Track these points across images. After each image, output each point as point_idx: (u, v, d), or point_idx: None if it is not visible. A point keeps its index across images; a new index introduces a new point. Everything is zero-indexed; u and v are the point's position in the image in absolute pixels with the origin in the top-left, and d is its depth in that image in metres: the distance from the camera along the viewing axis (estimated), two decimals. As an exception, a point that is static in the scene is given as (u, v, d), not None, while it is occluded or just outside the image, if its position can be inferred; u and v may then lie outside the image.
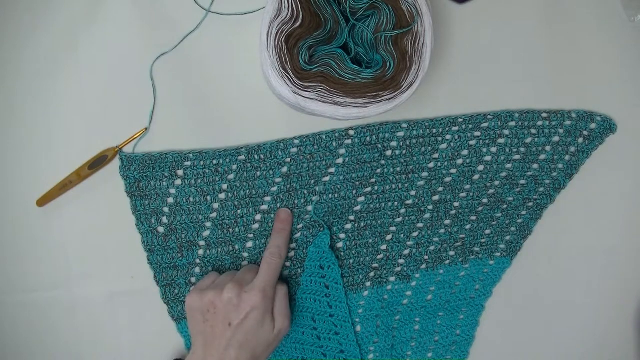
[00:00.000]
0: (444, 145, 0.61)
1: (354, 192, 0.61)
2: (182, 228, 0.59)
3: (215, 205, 0.59)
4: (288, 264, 0.61)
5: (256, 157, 0.59)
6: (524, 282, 0.64)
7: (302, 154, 0.60)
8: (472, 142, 0.61)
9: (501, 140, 0.61)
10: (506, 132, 0.61)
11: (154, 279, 0.60)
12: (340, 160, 0.60)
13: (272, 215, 0.60)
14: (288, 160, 0.60)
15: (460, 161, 0.61)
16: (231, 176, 0.59)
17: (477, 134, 0.61)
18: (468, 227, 0.63)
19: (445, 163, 0.61)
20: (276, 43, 0.51)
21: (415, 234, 0.62)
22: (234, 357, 0.52)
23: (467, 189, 0.62)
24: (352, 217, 0.61)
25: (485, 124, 0.61)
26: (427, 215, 0.62)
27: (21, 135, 0.59)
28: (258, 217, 0.60)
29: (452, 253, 0.63)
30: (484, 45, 0.62)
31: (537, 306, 0.64)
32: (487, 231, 0.63)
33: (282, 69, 0.51)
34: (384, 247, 0.62)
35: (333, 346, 0.61)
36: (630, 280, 0.65)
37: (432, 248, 0.63)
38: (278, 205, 0.60)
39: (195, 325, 0.54)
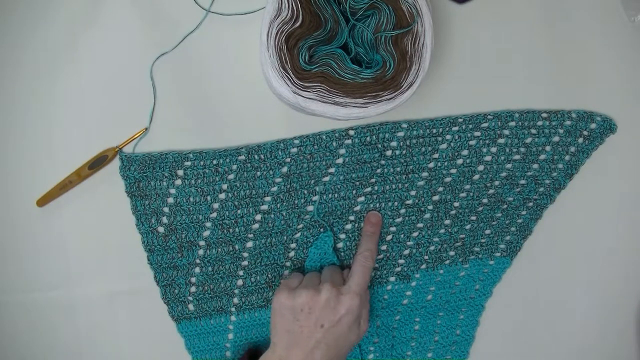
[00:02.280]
0: (444, 145, 0.61)
1: (354, 192, 0.61)
2: (182, 228, 0.59)
3: (215, 205, 0.59)
4: (288, 264, 0.61)
5: (256, 157, 0.59)
6: (524, 282, 0.64)
7: (302, 154, 0.60)
8: (472, 142, 0.61)
9: (501, 140, 0.61)
10: (506, 132, 0.61)
11: (154, 279, 0.60)
12: (340, 160, 0.60)
13: (272, 215, 0.60)
14: (288, 160, 0.60)
15: (460, 161, 0.61)
16: (231, 176, 0.59)
17: (477, 134, 0.61)
18: (468, 227, 0.63)
19: (445, 163, 0.61)
20: (276, 43, 0.51)
21: (415, 234, 0.62)
22: (318, 358, 0.52)
23: (467, 189, 0.62)
24: (352, 217, 0.61)
25: (485, 124, 0.61)
26: (427, 215, 0.62)
27: (21, 135, 0.59)
28: (258, 217, 0.60)
29: (452, 253, 0.63)
30: (484, 45, 0.62)
31: (537, 306, 0.64)
32: (487, 231, 0.63)
33: (282, 69, 0.51)
34: (384, 247, 0.62)
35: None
36: (630, 280, 0.65)
37: (432, 248, 0.63)
38: (278, 205, 0.60)
39: (284, 324, 0.54)
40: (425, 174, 0.61)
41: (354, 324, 0.54)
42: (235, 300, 0.61)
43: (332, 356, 0.53)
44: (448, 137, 0.61)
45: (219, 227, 0.60)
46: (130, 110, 0.59)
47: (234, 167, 0.59)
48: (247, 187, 0.59)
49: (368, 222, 0.60)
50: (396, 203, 0.61)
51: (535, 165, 0.62)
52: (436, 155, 0.61)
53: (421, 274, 0.63)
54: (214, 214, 0.59)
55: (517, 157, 0.61)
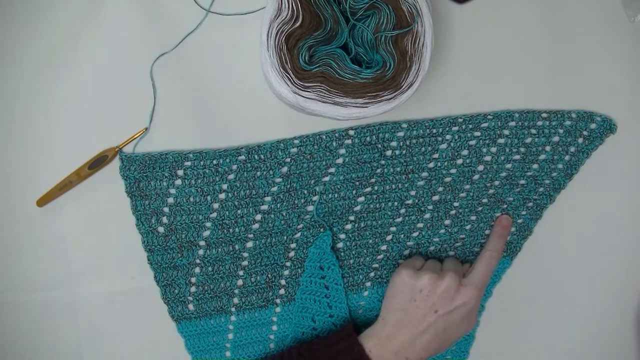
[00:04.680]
0: (443, 145, 0.61)
1: (354, 192, 0.61)
2: (182, 228, 0.59)
3: (215, 205, 0.59)
4: (288, 264, 0.61)
5: (256, 157, 0.59)
6: (524, 282, 0.64)
7: (302, 154, 0.60)
8: (472, 142, 0.61)
9: (501, 140, 0.61)
10: (506, 132, 0.61)
11: (154, 279, 0.60)
12: (340, 160, 0.60)
13: (272, 215, 0.60)
14: (288, 160, 0.60)
15: (460, 161, 0.61)
16: (231, 176, 0.59)
17: (477, 134, 0.61)
18: (468, 227, 0.63)
19: (445, 163, 0.61)
20: (276, 43, 0.51)
21: (415, 234, 0.62)
22: (425, 342, 0.53)
23: (467, 189, 0.62)
24: (352, 217, 0.61)
25: (485, 124, 0.61)
26: (427, 216, 0.62)
27: (21, 135, 0.59)
28: (258, 217, 0.60)
29: (452, 253, 0.63)
30: (484, 45, 0.62)
31: (537, 306, 0.64)
32: (487, 231, 0.63)
33: (282, 69, 0.51)
34: (384, 247, 0.62)
35: (333, 346, 0.61)
36: (630, 280, 0.65)
37: (432, 248, 0.63)
38: (278, 205, 0.60)
39: (400, 301, 0.55)
40: (425, 174, 0.61)
41: (467, 317, 0.55)
42: (235, 300, 0.61)
43: (438, 342, 0.54)
44: (448, 137, 0.61)
45: (219, 227, 0.60)
46: (130, 110, 0.59)
47: (234, 167, 0.59)
48: (247, 187, 0.59)
49: (499, 223, 0.61)
50: (396, 203, 0.61)
51: (535, 165, 0.62)
52: (436, 155, 0.61)
53: (421, 274, 0.63)
54: (214, 214, 0.59)
55: (517, 157, 0.62)
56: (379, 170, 0.61)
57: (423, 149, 0.61)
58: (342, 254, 0.62)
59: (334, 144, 0.60)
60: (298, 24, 0.51)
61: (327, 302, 0.61)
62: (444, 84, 0.61)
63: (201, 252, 0.60)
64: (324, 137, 0.60)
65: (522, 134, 0.61)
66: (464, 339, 0.64)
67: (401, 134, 0.61)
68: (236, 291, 0.61)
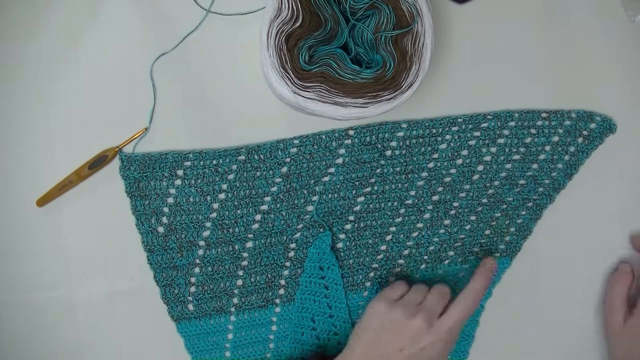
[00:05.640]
0: (443, 145, 0.61)
1: (354, 192, 0.61)
2: (182, 228, 0.59)
3: (215, 205, 0.59)
4: (288, 264, 0.61)
5: (256, 157, 0.59)
6: (524, 282, 0.64)
7: (301, 154, 0.60)
8: (472, 142, 0.61)
9: (501, 140, 0.61)
10: (506, 132, 0.61)
11: (154, 279, 0.60)
12: (340, 160, 0.60)
13: (272, 215, 0.60)
14: (288, 160, 0.60)
15: (459, 161, 0.61)
16: (231, 176, 0.59)
17: (477, 134, 0.61)
18: (468, 227, 0.63)
19: (445, 163, 0.61)
20: (276, 43, 0.51)
21: (414, 234, 0.62)
22: None
23: (466, 189, 0.62)
24: (351, 218, 0.61)
25: (485, 124, 0.61)
26: (427, 216, 0.62)
27: (21, 135, 0.59)
28: (258, 217, 0.60)
29: (451, 253, 0.63)
30: (484, 45, 0.62)
31: (537, 306, 0.64)
32: (487, 231, 0.63)
33: (282, 69, 0.51)
34: (383, 247, 0.62)
35: (332, 346, 0.61)
36: (630, 280, 0.65)
37: (431, 248, 0.63)
38: (278, 205, 0.60)
39: (370, 333, 0.54)
40: (424, 174, 0.61)
41: (435, 356, 0.53)
42: (235, 300, 0.61)
43: None
44: (448, 137, 0.61)
45: (218, 227, 0.60)
46: (130, 110, 0.59)
47: (234, 167, 0.59)
48: (247, 187, 0.59)
49: (483, 264, 0.58)
50: (396, 203, 0.61)
51: (535, 165, 0.62)
52: (436, 155, 0.61)
53: (421, 274, 0.63)
54: (214, 214, 0.59)
55: (516, 157, 0.62)
56: (378, 170, 0.61)
57: (423, 149, 0.61)
58: (341, 254, 0.62)
59: (334, 144, 0.60)
60: (298, 24, 0.51)
61: (327, 302, 0.61)
62: (444, 84, 0.61)
63: (201, 252, 0.60)
64: (323, 137, 0.60)
65: (522, 134, 0.61)
66: (464, 339, 0.64)
67: (401, 134, 0.61)
68: (236, 291, 0.61)
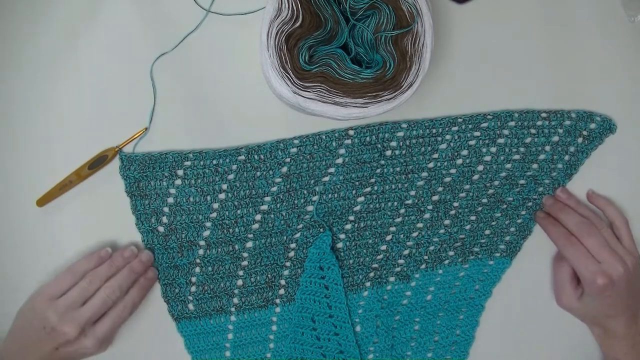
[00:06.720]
0: (443, 145, 0.61)
1: (354, 192, 0.61)
2: (182, 228, 0.59)
3: (215, 205, 0.59)
4: (288, 264, 0.61)
5: (256, 157, 0.59)
6: (524, 282, 0.64)
7: (301, 154, 0.60)
8: (472, 142, 0.61)
9: (501, 140, 0.61)
10: (506, 132, 0.61)
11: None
12: (340, 160, 0.60)
13: (272, 215, 0.60)
14: (288, 160, 0.60)
15: (459, 161, 0.61)
16: (231, 176, 0.59)
17: (477, 134, 0.61)
18: (468, 227, 0.63)
19: (445, 163, 0.61)
20: (276, 43, 0.51)
21: (414, 234, 0.62)
22: None
23: (466, 189, 0.62)
24: (351, 218, 0.61)
25: (485, 124, 0.61)
26: (427, 216, 0.62)
27: (21, 135, 0.59)
28: (258, 217, 0.60)
29: (451, 253, 0.63)
30: (484, 45, 0.62)
31: (537, 306, 0.64)
32: (487, 231, 0.63)
33: (282, 69, 0.51)
34: (383, 247, 0.62)
35: (332, 346, 0.61)
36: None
37: (431, 248, 0.63)
38: (278, 205, 0.60)
39: (25, 329, 0.55)
40: (424, 174, 0.61)
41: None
42: (235, 300, 0.61)
43: None
44: (448, 137, 0.61)
45: (218, 227, 0.60)
46: (130, 110, 0.59)
47: (234, 167, 0.59)
48: (247, 187, 0.59)
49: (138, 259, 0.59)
50: (396, 203, 0.61)
51: (535, 165, 0.62)
52: (436, 155, 0.61)
53: (421, 274, 0.63)
54: (214, 214, 0.59)
55: (516, 157, 0.62)
56: (378, 170, 0.61)
57: (423, 149, 0.61)
58: (341, 254, 0.62)
59: (334, 144, 0.60)
60: (298, 24, 0.51)
61: (327, 302, 0.61)
62: (444, 84, 0.61)
63: (201, 252, 0.60)
64: (323, 137, 0.60)
65: (522, 133, 0.61)
66: (463, 339, 0.64)
67: (401, 134, 0.61)
68: (236, 291, 0.61)
